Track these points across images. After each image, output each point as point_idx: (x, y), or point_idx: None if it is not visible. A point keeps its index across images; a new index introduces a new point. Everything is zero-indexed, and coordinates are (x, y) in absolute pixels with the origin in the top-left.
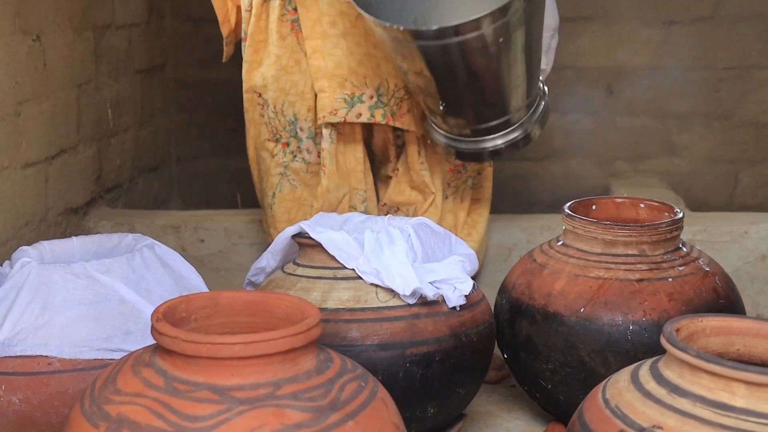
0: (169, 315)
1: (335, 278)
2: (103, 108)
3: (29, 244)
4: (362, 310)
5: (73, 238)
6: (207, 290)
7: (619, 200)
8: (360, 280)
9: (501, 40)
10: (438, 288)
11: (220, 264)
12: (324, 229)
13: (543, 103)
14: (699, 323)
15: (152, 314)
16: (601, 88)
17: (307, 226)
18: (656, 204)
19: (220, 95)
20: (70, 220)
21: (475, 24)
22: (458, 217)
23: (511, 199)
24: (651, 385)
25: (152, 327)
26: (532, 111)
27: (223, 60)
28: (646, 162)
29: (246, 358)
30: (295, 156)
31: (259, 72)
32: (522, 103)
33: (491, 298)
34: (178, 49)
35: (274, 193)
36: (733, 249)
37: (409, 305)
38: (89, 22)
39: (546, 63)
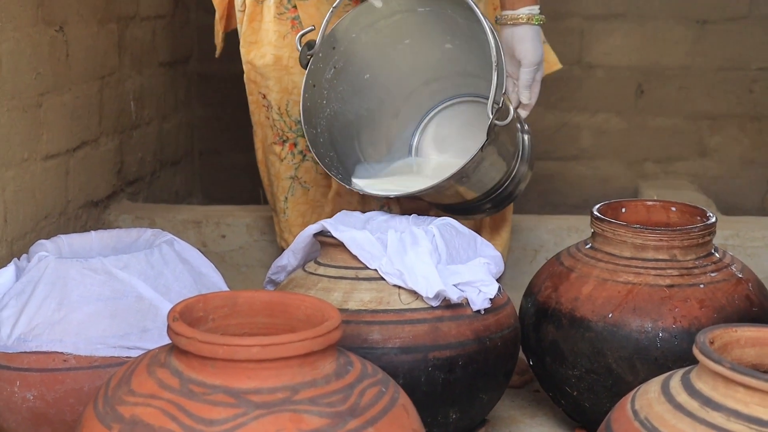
0: (186, 314)
1: (357, 278)
2: (126, 100)
3: (48, 237)
4: (384, 311)
5: (92, 232)
6: (226, 288)
7: (650, 203)
8: (382, 281)
9: (465, 177)
10: (462, 291)
11: (241, 260)
12: (346, 228)
13: (526, 143)
14: (733, 333)
15: (169, 313)
16: (632, 87)
17: (330, 225)
18: (688, 207)
19: (244, 89)
20: (91, 214)
21: (435, 186)
22: (482, 221)
23: (537, 200)
24: (682, 397)
25: (168, 326)
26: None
27: (216, 55)
28: (676, 164)
29: (263, 360)
30: (304, 156)
31: (258, 73)
32: (504, 177)
33: (516, 300)
34: (202, 42)
35: (286, 198)
36: (766, 254)
37: (432, 308)
38: (113, 13)
39: (529, 98)
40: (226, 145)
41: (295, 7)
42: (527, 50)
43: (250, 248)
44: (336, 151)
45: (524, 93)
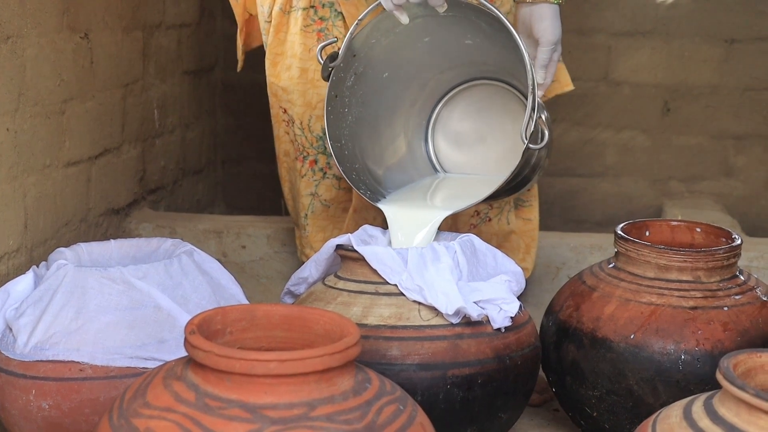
0: (203, 327)
1: (377, 293)
2: (150, 108)
3: (68, 244)
4: (404, 327)
5: (112, 241)
6: (246, 300)
7: (674, 223)
8: (402, 297)
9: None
10: (483, 308)
11: (261, 272)
12: (368, 243)
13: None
14: (758, 359)
15: (186, 326)
16: (658, 105)
17: (352, 238)
18: (713, 229)
19: (268, 99)
20: (111, 221)
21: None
22: (509, 239)
23: (560, 217)
24: (704, 423)
25: (185, 339)
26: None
27: (238, 69)
28: (701, 183)
29: (281, 376)
30: (325, 174)
31: (279, 86)
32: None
33: (537, 317)
34: (227, 51)
35: (306, 215)
36: None
37: (452, 325)
38: (139, 21)
39: (544, 77)
40: (250, 155)
41: (321, 18)
42: (546, 29)
43: (270, 259)
44: (361, 160)
45: (540, 73)
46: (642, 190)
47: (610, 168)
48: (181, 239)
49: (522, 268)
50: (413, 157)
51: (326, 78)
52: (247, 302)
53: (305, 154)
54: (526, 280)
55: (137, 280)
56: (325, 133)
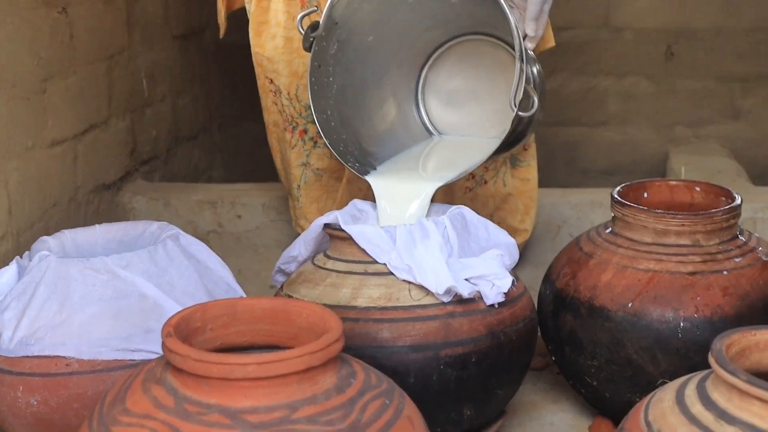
0: (182, 326)
1: (366, 273)
2: (138, 78)
3: (57, 226)
4: (394, 308)
5: (96, 226)
6: (234, 282)
7: (673, 183)
8: (392, 276)
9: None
10: (475, 284)
11: (258, 241)
12: (358, 219)
13: (536, 77)
14: (752, 337)
15: (163, 327)
16: (661, 50)
17: (340, 217)
18: (713, 188)
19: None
20: (103, 197)
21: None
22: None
23: (564, 167)
24: (697, 408)
25: (162, 342)
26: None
27: (220, 35)
28: (707, 127)
29: (260, 378)
30: (315, 143)
31: (264, 56)
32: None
33: (538, 277)
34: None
35: (299, 185)
36: None
37: (443, 303)
38: None
39: (535, 30)
40: (247, 117)
41: None
42: None
43: (266, 228)
44: (349, 131)
45: (530, 25)
46: (647, 137)
47: (613, 116)
48: (176, 211)
49: (521, 230)
50: (405, 121)
51: (308, 48)
52: (236, 284)
53: (294, 124)
54: (527, 241)
55: (121, 269)
56: (310, 104)
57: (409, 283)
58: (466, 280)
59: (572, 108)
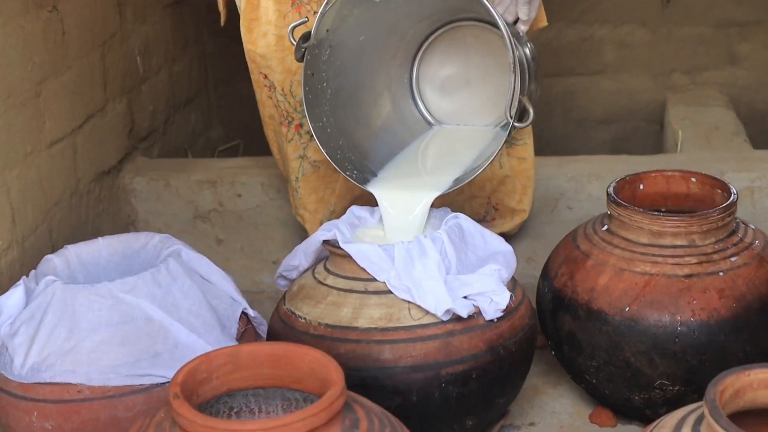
0: (188, 381)
1: (366, 292)
2: (131, 57)
3: (59, 224)
4: (394, 329)
5: (99, 239)
6: (236, 293)
7: (669, 174)
8: (392, 295)
9: None
10: (473, 300)
11: (259, 219)
12: (356, 226)
13: (530, 59)
14: (746, 378)
15: (170, 386)
16: None
17: (339, 228)
18: (708, 179)
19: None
20: (103, 184)
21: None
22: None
23: (561, 117)
24: None
25: (169, 402)
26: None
27: (221, 23)
28: (704, 74)
29: None
30: (312, 136)
31: (257, 53)
32: None
33: (537, 250)
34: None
35: (297, 177)
36: None
37: (443, 322)
38: None
39: (527, 14)
40: (243, 74)
41: None
42: None
43: (266, 206)
44: (346, 135)
45: (523, 9)
46: (644, 84)
47: (609, 65)
48: (177, 191)
49: (519, 210)
50: (400, 114)
51: (300, 59)
52: (238, 296)
53: (290, 119)
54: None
55: (125, 294)
56: (305, 114)
57: (409, 302)
58: (464, 297)
59: (568, 58)
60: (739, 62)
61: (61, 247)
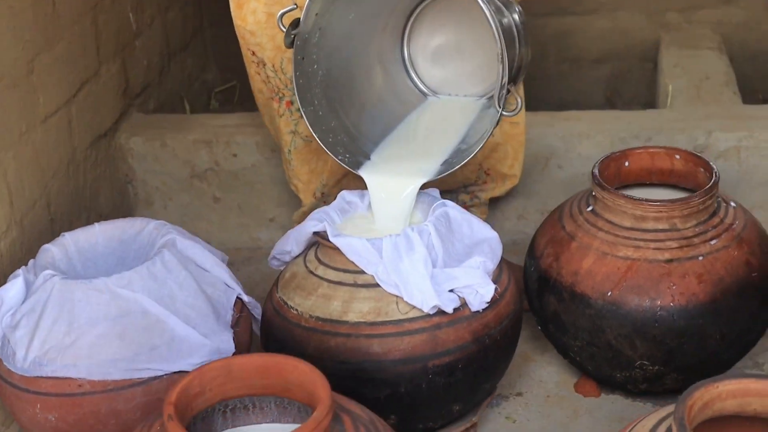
0: (182, 397)
1: (356, 285)
2: (124, 16)
3: (57, 196)
4: (383, 324)
5: (96, 225)
6: (231, 279)
7: (653, 150)
8: (380, 288)
9: None
10: (460, 293)
11: (254, 178)
12: (347, 212)
13: (519, 26)
14: (714, 390)
15: (164, 406)
16: None
17: (328, 224)
18: (692, 157)
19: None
20: (100, 148)
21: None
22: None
23: (556, 57)
24: None
25: (164, 423)
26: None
27: None
28: (699, 12)
29: None
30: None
31: (247, 29)
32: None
33: (527, 208)
34: None
35: (289, 150)
36: None
37: (430, 315)
38: None
39: None
40: None
41: None
42: None
43: (261, 166)
44: (338, 115)
45: None
46: (638, 23)
47: (604, 3)
48: (173, 151)
49: (510, 175)
50: (394, 87)
51: (290, 45)
52: (233, 281)
53: (281, 95)
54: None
55: (122, 289)
56: (296, 99)
57: (397, 295)
58: (450, 291)
59: None
60: (733, 1)
61: (60, 219)
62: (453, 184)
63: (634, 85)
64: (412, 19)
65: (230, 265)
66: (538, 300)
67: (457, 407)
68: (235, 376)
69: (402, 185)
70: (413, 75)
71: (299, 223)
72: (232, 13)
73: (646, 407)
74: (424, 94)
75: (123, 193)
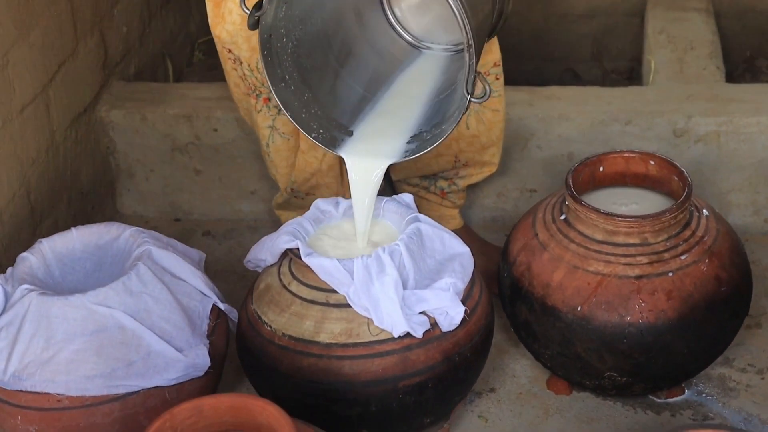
0: None
1: (327, 304)
2: None
3: (37, 183)
4: (354, 345)
5: (72, 230)
6: (207, 288)
7: (628, 155)
8: (352, 309)
9: None
10: (431, 314)
11: (235, 152)
12: (321, 221)
13: None
14: None
15: None
16: None
17: (301, 243)
18: (666, 163)
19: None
20: (80, 124)
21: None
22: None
23: (542, 12)
24: None
25: None
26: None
27: None
28: None
29: None
30: (280, 109)
31: (224, 29)
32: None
33: (506, 185)
34: None
35: (268, 144)
36: (759, 140)
37: (401, 337)
38: None
39: None
40: None
41: None
42: None
43: (242, 141)
44: (312, 89)
45: None
46: None
47: None
48: (153, 125)
49: (489, 163)
50: (372, 39)
51: (253, 26)
52: (208, 290)
53: (258, 92)
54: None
55: (98, 306)
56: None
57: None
58: (420, 313)
59: None
60: None
61: (40, 206)
62: (429, 172)
63: (620, 42)
64: None
65: (211, 237)
66: (511, 306)
67: (428, 420)
68: (206, 415)
69: (372, 166)
70: (393, 22)
71: (279, 205)
72: (209, 13)
73: (615, 406)
74: (408, 45)
75: (105, 165)
